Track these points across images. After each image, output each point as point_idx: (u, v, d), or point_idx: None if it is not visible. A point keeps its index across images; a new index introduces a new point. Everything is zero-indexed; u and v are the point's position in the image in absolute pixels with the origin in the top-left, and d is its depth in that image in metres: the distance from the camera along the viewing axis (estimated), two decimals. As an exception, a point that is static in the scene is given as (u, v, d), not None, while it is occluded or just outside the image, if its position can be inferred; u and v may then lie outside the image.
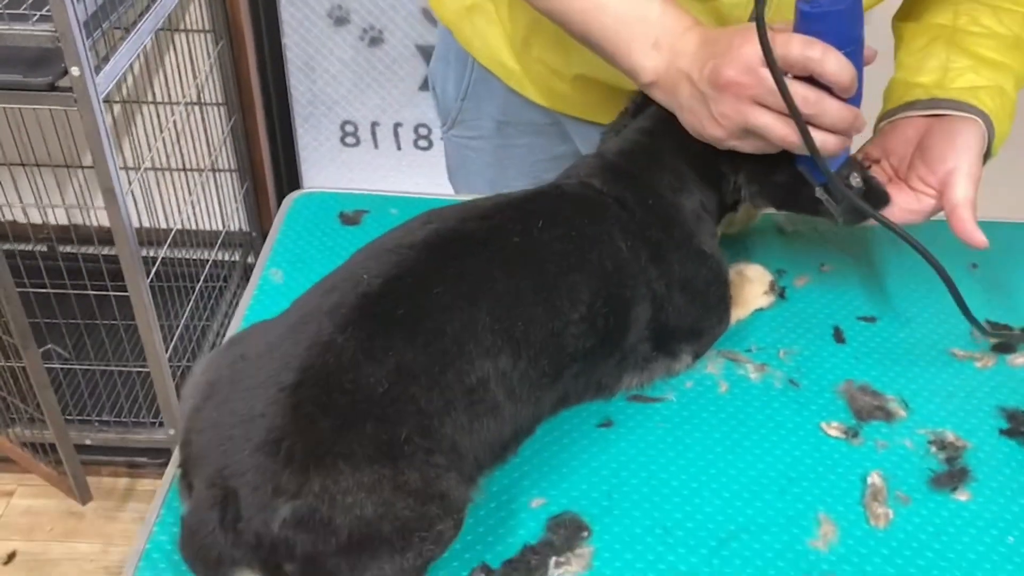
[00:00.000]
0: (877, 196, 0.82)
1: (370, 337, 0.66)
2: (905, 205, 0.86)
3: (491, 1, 1.04)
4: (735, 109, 0.76)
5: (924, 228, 1.08)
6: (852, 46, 0.74)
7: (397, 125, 2.16)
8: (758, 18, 0.72)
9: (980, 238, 0.83)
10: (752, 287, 0.93)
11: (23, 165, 1.96)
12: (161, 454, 1.93)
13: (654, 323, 0.80)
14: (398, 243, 0.73)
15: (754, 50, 0.73)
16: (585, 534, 0.73)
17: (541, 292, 0.73)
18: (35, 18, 1.33)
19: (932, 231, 1.09)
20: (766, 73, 0.73)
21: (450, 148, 1.23)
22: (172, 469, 0.75)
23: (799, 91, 0.73)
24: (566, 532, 0.73)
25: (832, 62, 0.72)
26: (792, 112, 0.73)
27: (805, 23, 0.74)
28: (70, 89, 1.36)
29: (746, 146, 0.79)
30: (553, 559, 0.71)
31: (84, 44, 1.33)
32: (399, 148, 2.19)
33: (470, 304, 0.70)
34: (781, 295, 0.96)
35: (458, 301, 0.69)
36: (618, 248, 0.78)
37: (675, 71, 0.79)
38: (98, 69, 1.38)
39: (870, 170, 0.86)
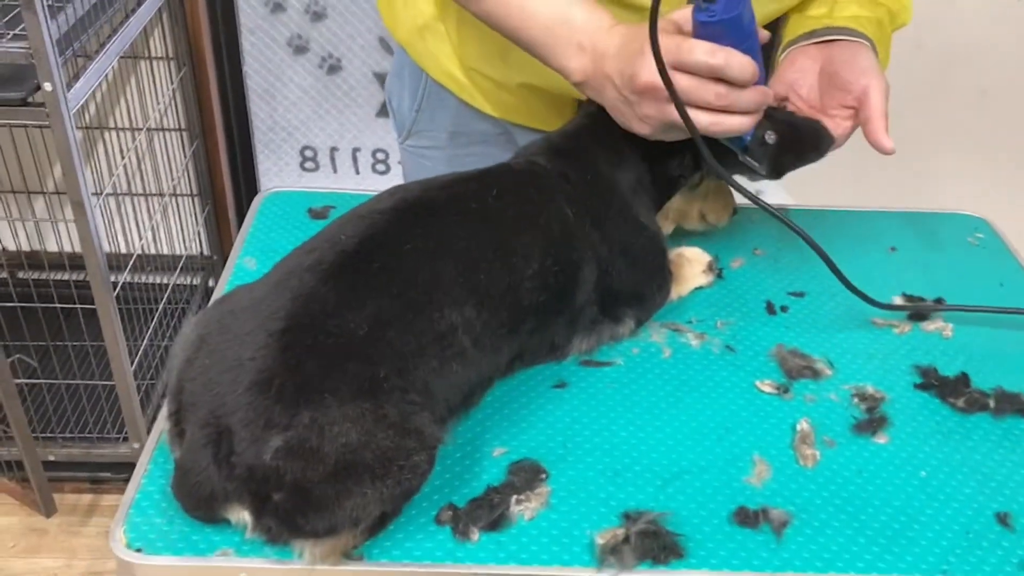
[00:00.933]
0: (797, 139, 0.91)
1: (349, 288, 0.73)
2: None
3: (441, 21, 1.11)
4: (656, 109, 0.84)
5: (847, 216, 1.19)
6: (748, 40, 0.81)
7: (355, 150, 2.23)
8: (652, 38, 0.77)
9: (888, 144, 0.92)
10: (692, 266, 1.02)
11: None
12: (125, 468, 1.95)
13: (600, 285, 0.88)
14: (370, 210, 0.80)
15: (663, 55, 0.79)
16: (543, 476, 0.80)
17: (498, 250, 0.81)
18: (9, 37, 1.39)
19: (853, 220, 1.19)
20: (677, 75, 0.79)
21: (407, 158, 1.30)
22: (160, 424, 0.80)
23: (711, 89, 0.80)
24: (526, 475, 0.80)
25: (735, 66, 0.79)
26: (688, 126, 0.80)
27: (704, 30, 0.80)
28: (43, 105, 1.42)
29: (670, 137, 0.87)
30: (514, 497, 0.77)
31: (57, 60, 1.39)
32: (357, 172, 2.26)
33: (437, 260, 0.77)
34: (719, 275, 1.05)
35: (426, 257, 0.77)
36: (564, 214, 0.86)
37: (600, 74, 0.87)
38: (69, 86, 1.45)
39: (785, 107, 0.96)
